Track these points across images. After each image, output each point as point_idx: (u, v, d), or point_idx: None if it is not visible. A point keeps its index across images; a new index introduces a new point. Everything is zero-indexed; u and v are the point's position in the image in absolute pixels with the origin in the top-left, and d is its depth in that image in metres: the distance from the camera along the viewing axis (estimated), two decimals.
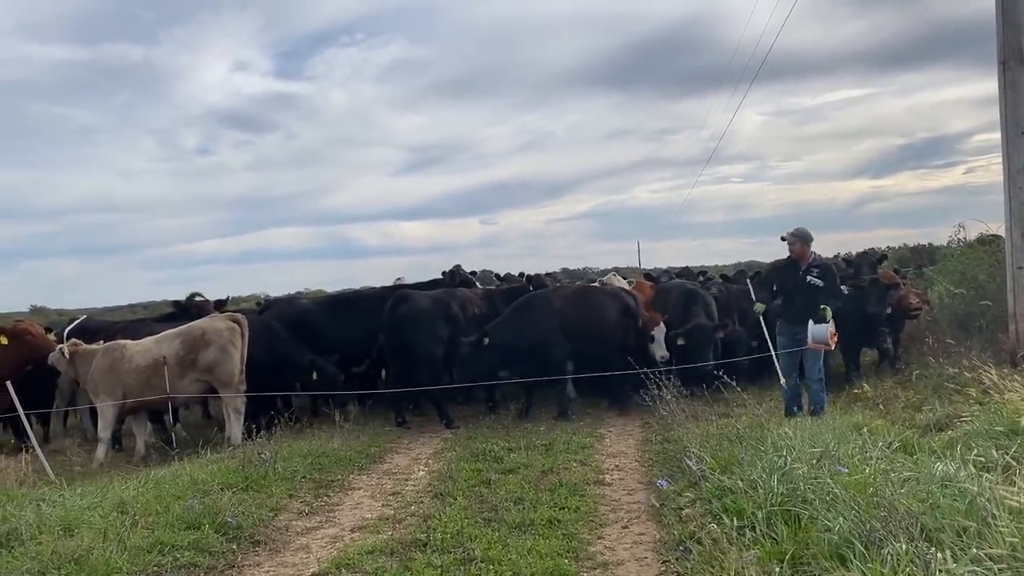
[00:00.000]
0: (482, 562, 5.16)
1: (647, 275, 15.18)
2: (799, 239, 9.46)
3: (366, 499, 7.31)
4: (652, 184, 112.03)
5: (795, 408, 9.24)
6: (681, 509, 6.08)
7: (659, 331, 11.48)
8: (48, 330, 12.28)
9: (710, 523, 5.28)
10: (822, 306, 9.16)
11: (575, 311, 10.92)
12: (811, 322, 9.13)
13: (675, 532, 5.56)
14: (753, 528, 5.04)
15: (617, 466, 8.12)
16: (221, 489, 7.15)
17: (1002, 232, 10.80)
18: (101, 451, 9.92)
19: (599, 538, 5.82)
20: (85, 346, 10.16)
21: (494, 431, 10.01)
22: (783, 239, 9.55)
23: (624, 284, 13.07)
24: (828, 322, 9.14)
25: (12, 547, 5.82)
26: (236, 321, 10.26)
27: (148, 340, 10.22)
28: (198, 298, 13.38)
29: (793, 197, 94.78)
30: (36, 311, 36.52)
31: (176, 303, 13.12)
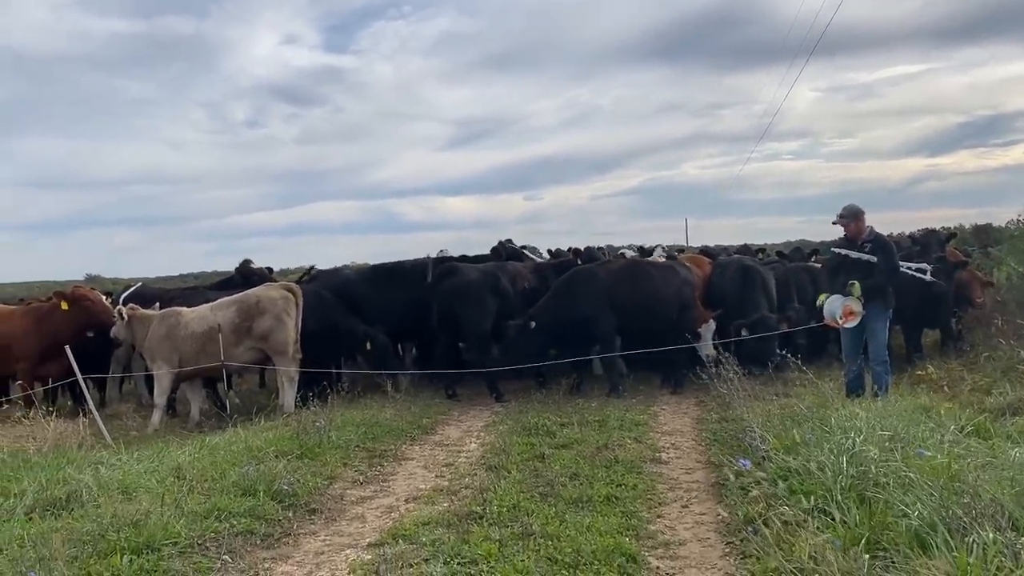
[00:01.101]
0: (540, 537, 5.06)
1: (704, 251, 14.83)
2: (850, 217, 9.02)
3: (419, 470, 7.25)
4: (701, 160, 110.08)
5: (859, 390, 8.94)
6: (745, 489, 5.90)
7: (707, 329, 11.04)
8: (107, 295, 12.43)
9: (780, 504, 5.11)
10: (850, 281, 8.73)
11: (624, 285, 10.69)
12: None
13: (739, 513, 5.39)
14: (824, 511, 4.87)
15: (673, 444, 7.94)
16: (276, 456, 7.14)
17: None
18: (156, 417, 10.03)
19: (659, 516, 5.68)
20: (142, 310, 10.24)
21: (545, 406, 9.88)
22: (835, 224, 9.16)
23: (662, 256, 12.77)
24: (853, 297, 8.70)
25: (72, 509, 5.88)
26: (290, 290, 10.26)
27: (204, 307, 10.28)
28: (252, 265, 13.45)
29: (846, 175, 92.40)
30: (91, 279, 37.28)
31: (240, 269, 13.23)
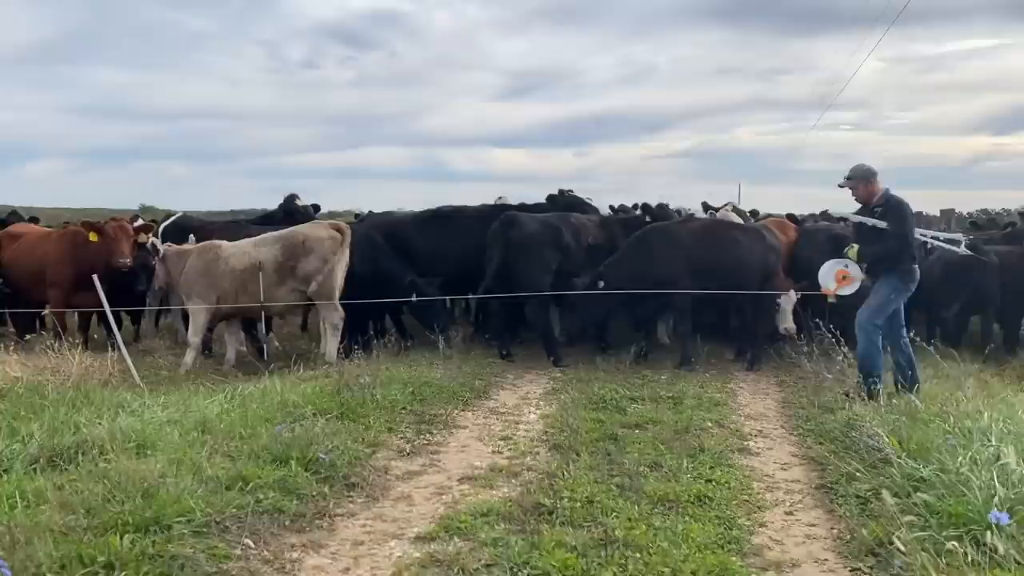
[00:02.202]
0: (625, 547, 4.16)
1: (790, 216, 13.61)
2: (859, 179, 7.74)
3: (473, 441, 6.40)
4: (756, 126, 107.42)
5: (904, 377, 7.59)
6: (863, 499, 4.95)
7: (787, 300, 9.93)
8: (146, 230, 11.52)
9: (917, 525, 4.15)
10: (849, 245, 7.80)
11: (707, 249, 9.63)
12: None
13: (863, 531, 4.44)
14: (976, 540, 3.91)
15: (760, 431, 6.97)
16: (314, 415, 6.34)
17: None
18: (190, 357, 9.32)
19: (760, 526, 4.74)
20: (176, 247, 9.49)
21: (610, 375, 8.96)
22: (841, 186, 7.89)
23: (737, 220, 11.60)
24: (850, 261, 7.77)
25: (79, 462, 5.11)
26: (339, 230, 9.41)
27: (245, 242, 9.49)
28: (298, 201, 12.61)
29: (905, 149, 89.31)
30: (145, 210, 37.61)
31: (285, 205, 12.41)
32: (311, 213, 12.49)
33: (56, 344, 9.12)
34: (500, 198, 14.48)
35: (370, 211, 14.87)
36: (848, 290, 7.91)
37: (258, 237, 9.55)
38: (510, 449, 6.15)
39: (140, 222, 14.09)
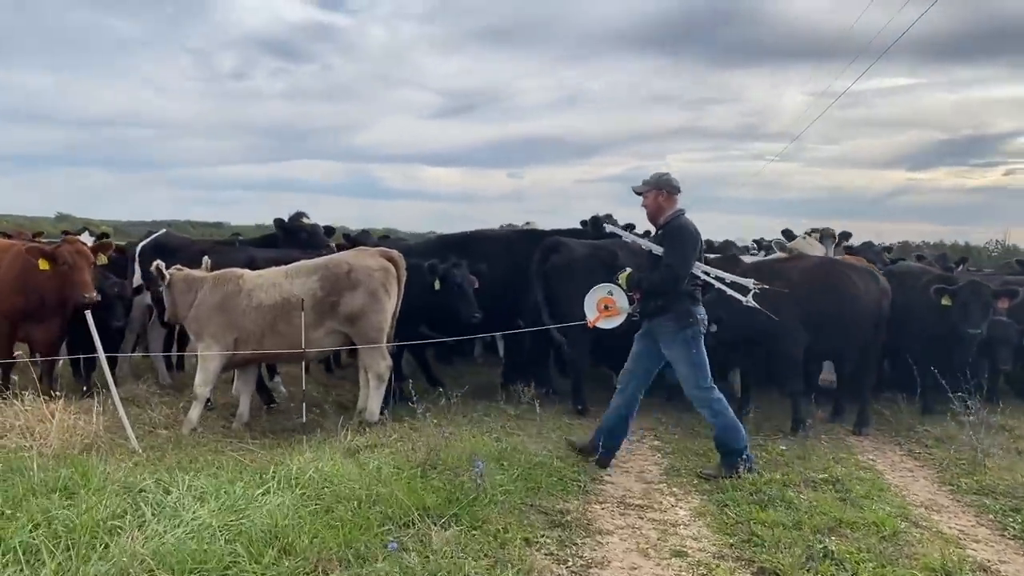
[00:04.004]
0: None
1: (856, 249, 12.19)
2: (651, 188, 6.42)
3: (637, 557, 4.75)
4: (685, 153, 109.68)
5: (611, 437, 6.53)
6: None
7: None
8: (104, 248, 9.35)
9: None
10: (625, 269, 6.56)
11: (822, 291, 8.16)
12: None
13: None
14: None
15: (963, 531, 5.52)
16: (421, 517, 4.66)
17: None
18: (195, 412, 7.44)
19: None
20: (188, 271, 7.63)
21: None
22: (638, 192, 6.57)
23: (820, 250, 10.13)
24: (616, 288, 6.52)
25: None
26: (391, 259, 7.67)
27: (274, 272, 7.66)
28: (305, 219, 10.77)
29: (827, 181, 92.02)
30: (61, 219, 35.69)
31: (279, 222, 10.50)
32: (320, 234, 10.65)
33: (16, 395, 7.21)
34: (528, 223, 12.94)
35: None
36: (610, 324, 6.63)
37: (290, 266, 7.72)
38: (691, 571, 4.54)
39: (87, 236, 12.16)
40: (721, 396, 6.32)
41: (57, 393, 7.40)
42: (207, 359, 7.39)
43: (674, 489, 6.08)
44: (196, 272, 7.60)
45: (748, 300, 6.55)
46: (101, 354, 6.90)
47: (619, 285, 6.45)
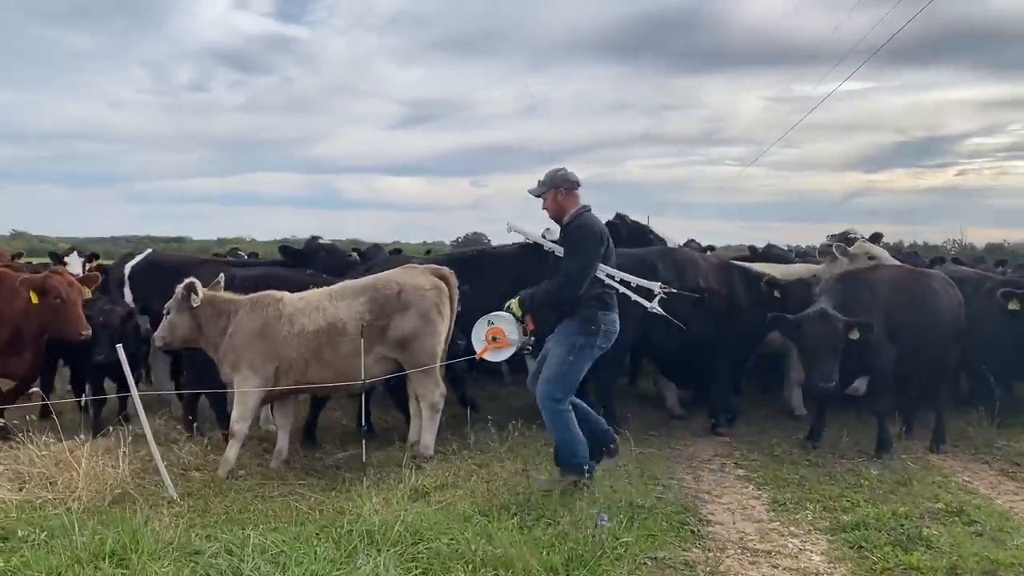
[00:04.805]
0: None
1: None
2: (546, 186, 5.90)
3: None
4: (646, 159, 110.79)
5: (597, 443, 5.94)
6: None
7: None
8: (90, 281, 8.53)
9: None
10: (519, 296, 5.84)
11: (907, 302, 7.59)
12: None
13: None
14: None
15: None
16: None
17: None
18: (232, 452, 6.67)
19: None
20: (221, 293, 6.88)
21: (802, 466, 6.90)
22: (535, 195, 6.05)
23: (885, 256, 9.54)
24: (506, 317, 5.80)
25: None
26: (443, 277, 6.98)
27: (317, 294, 6.93)
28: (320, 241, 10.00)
29: (786, 184, 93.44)
30: (16, 235, 34.66)
31: (284, 248, 9.72)
32: (340, 252, 9.87)
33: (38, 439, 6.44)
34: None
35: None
36: (498, 356, 5.97)
37: (335, 287, 6.99)
38: None
39: (76, 258, 11.29)
40: (566, 407, 5.74)
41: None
42: (246, 394, 6.64)
43: (791, 528, 5.45)
44: (227, 295, 6.86)
45: (654, 306, 6.17)
46: (134, 391, 6.11)
47: (511, 312, 5.79)
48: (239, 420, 6.68)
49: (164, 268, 9.12)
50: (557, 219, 5.98)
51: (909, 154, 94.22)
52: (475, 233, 38.31)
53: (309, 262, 9.66)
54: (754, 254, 10.38)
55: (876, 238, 10.94)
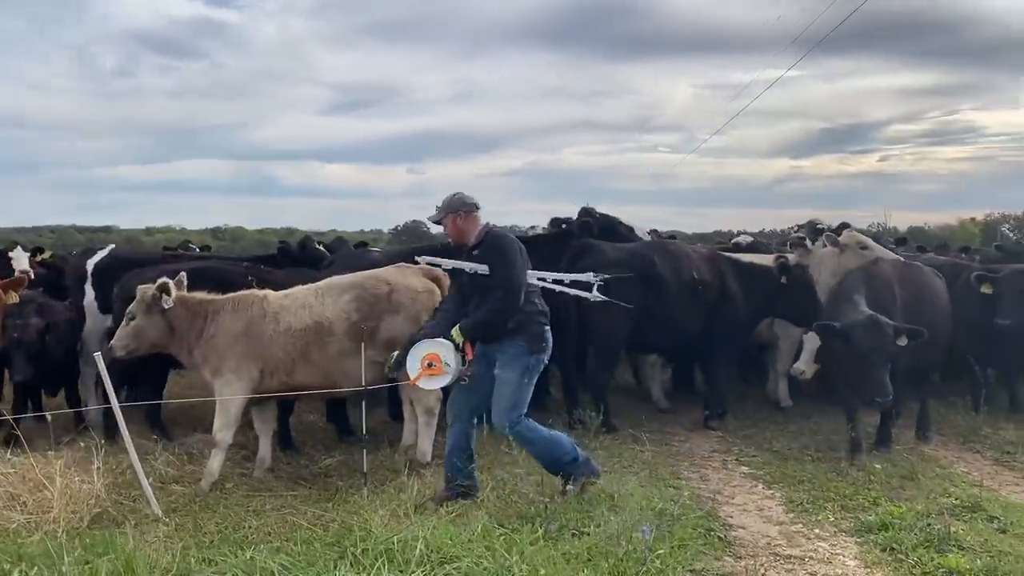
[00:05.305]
0: None
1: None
2: (445, 211, 5.65)
3: None
4: (581, 146, 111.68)
5: (459, 467, 5.61)
6: None
7: (812, 339, 7.71)
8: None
9: None
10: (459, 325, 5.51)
11: (916, 299, 7.51)
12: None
13: None
14: None
15: None
16: None
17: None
18: (216, 462, 6.24)
19: None
20: (198, 294, 6.43)
21: (820, 470, 6.71)
22: (434, 221, 5.88)
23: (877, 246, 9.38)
24: (445, 345, 5.45)
25: None
26: (436, 279, 6.62)
27: (303, 291, 6.54)
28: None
29: (718, 171, 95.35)
30: None
31: (283, 245, 9.27)
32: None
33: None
34: (532, 228, 12.06)
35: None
36: (431, 384, 5.61)
37: (321, 284, 6.61)
38: None
39: (20, 253, 10.56)
40: (527, 420, 5.52)
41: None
42: (224, 393, 6.21)
43: (815, 531, 5.29)
44: (202, 295, 6.41)
45: (594, 294, 6.31)
46: (114, 401, 5.65)
47: (451, 341, 5.47)
48: (222, 428, 6.25)
49: (132, 265, 8.58)
50: (460, 244, 5.69)
51: (835, 141, 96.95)
52: (414, 221, 37.60)
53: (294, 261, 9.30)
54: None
55: (843, 228, 10.91)
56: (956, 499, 5.85)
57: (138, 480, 5.69)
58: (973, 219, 41.23)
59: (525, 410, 5.51)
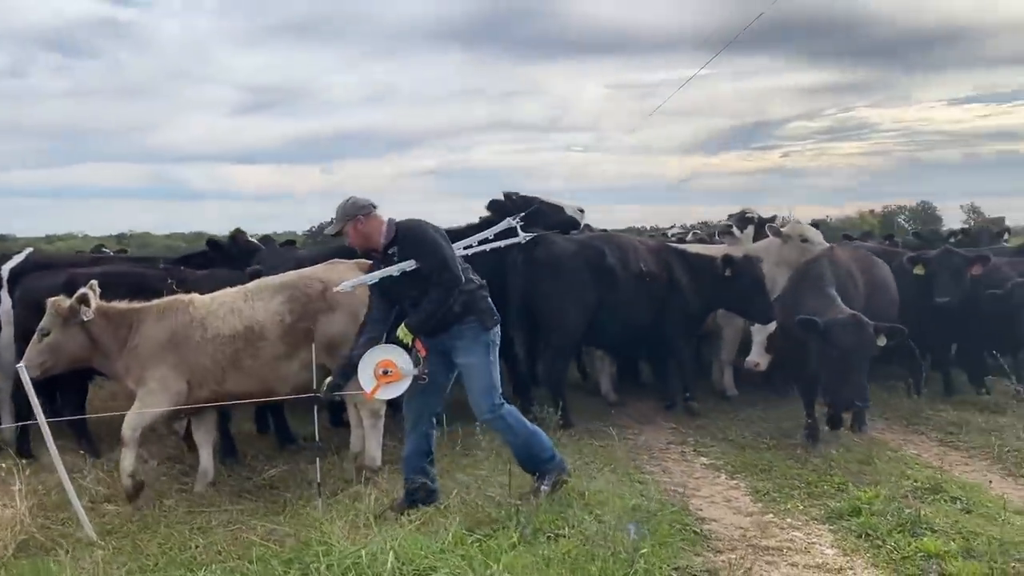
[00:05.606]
0: None
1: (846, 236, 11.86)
2: (343, 220, 5.28)
3: None
4: (495, 146, 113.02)
5: (423, 471, 5.33)
6: None
7: (761, 330, 7.89)
8: None
9: None
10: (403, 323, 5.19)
11: (873, 288, 7.56)
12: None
13: None
14: None
15: None
16: None
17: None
18: (128, 459, 5.72)
19: None
20: (120, 303, 5.99)
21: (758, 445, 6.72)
22: (333, 234, 5.66)
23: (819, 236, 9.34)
24: (396, 350, 5.16)
25: None
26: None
27: (229, 294, 6.14)
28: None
29: (628, 169, 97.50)
30: None
31: (212, 240, 8.77)
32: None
33: None
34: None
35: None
36: (391, 392, 5.23)
37: (250, 285, 6.22)
38: None
39: None
40: (511, 407, 5.33)
41: None
42: (147, 403, 5.77)
43: (787, 520, 5.18)
44: (123, 303, 5.96)
45: (523, 235, 6.63)
46: (40, 416, 5.16)
47: (399, 341, 5.14)
48: (131, 427, 5.72)
49: (45, 267, 7.98)
50: (371, 248, 5.34)
51: (741, 138, 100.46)
52: (330, 221, 37.20)
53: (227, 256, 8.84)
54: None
55: (771, 220, 10.99)
56: (916, 481, 5.85)
57: (67, 501, 5.23)
58: (872, 211, 42.82)
59: (499, 388, 5.24)
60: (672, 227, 14.44)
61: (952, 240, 12.38)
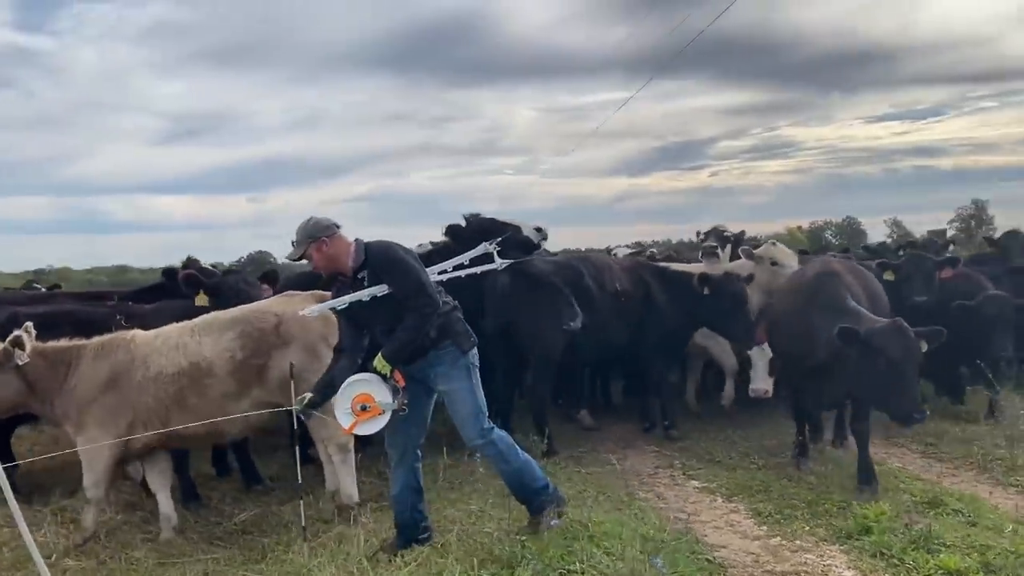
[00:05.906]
0: None
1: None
2: (305, 243, 4.82)
3: None
4: (428, 171, 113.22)
5: (416, 508, 4.98)
6: None
7: (760, 354, 7.66)
8: None
9: None
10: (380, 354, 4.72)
11: (866, 295, 7.44)
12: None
13: None
14: None
15: None
16: None
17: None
18: (90, 517, 5.45)
19: None
20: (57, 342, 5.58)
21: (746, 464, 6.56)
22: (295, 259, 5.07)
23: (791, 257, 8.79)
24: (375, 381, 4.67)
25: None
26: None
27: (174, 330, 5.69)
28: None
29: (561, 191, 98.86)
30: None
31: (168, 271, 8.23)
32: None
33: None
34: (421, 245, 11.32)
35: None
36: (370, 427, 4.78)
37: (198, 320, 5.77)
38: None
39: None
40: (502, 432, 5.00)
41: None
42: (95, 454, 5.34)
43: (796, 542, 4.95)
44: (62, 343, 5.54)
45: (499, 262, 6.50)
46: None
47: (376, 372, 4.71)
48: (93, 486, 5.42)
49: None
50: (338, 271, 4.91)
51: (668, 158, 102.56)
52: (259, 252, 36.15)
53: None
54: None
55: (740, 236, 10.91)
56: (914, 495, 5.74)
57: (25, 557, 4.77)
58: (800, 227, 43.61)
59: (486, 412, 4.88)
60: (612, 248, 14.21)
61: (901, 253, 12.49)
